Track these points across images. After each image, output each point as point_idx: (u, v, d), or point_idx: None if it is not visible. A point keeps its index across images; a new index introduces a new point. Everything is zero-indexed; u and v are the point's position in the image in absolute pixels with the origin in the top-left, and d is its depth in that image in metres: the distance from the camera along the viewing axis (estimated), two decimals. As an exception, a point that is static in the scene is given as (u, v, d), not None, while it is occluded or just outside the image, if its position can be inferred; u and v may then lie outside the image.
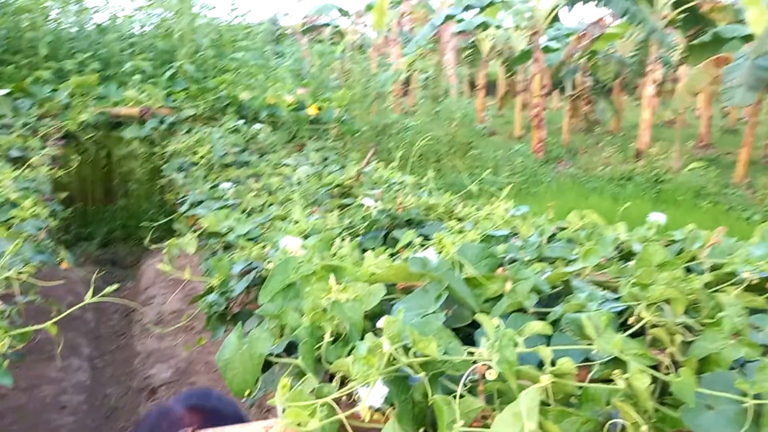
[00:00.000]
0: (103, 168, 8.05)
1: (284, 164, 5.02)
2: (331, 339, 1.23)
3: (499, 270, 1.59)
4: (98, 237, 7.39)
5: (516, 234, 2.60)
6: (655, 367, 1.26)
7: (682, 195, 8.99)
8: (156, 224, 4.56)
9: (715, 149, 14.21)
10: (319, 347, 1.25)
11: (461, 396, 1.04)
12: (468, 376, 1.06)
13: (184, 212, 4.10)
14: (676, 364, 1.26)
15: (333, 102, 6.50)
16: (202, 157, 4.93)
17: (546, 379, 1.00)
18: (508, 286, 1.56)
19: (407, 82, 17.25)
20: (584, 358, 1.34)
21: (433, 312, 1.36)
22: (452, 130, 11.02)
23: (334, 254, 1.91)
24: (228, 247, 3.01)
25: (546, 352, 1.12)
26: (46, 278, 5.21)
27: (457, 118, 10.61)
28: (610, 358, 1.22)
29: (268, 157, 5.18)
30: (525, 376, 1.14)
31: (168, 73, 7.36)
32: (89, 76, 6.11)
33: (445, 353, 1.06)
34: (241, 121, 5.66)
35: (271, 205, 3.65)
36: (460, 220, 2.82)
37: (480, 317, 1.20)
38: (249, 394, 1.27)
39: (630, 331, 1.32)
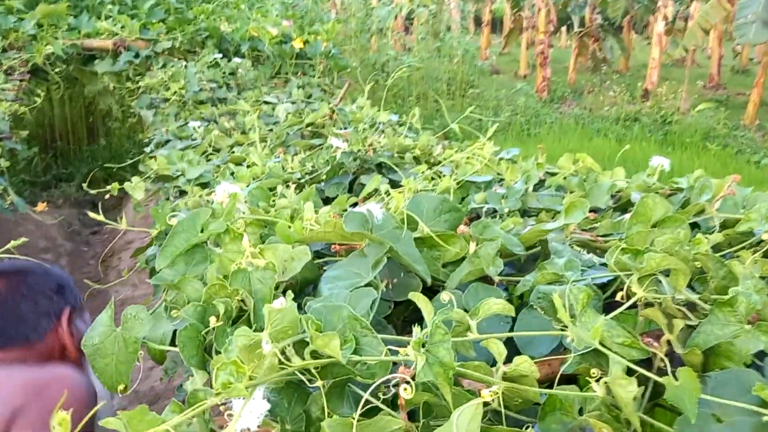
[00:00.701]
0: (86, 106, 7.69)
1: (264, 101, 4.68)
2: (222, 322, 0.94)
3: (461, 227, 1.28)
4: (78, 178, 7.09)
5: (501, 180, 2.29)
6: (649, 360, 0.97)
7: (690, 137, 8.56)
8: (121, 165, 4.27)
9: (725, 90, 13.68)
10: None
11: (374, 411, 0.75)
12: (387, 383, 0.77)
13: (150, 153, 3.79)
14: (674, 358, 0.97)
15: (321, 35, 6.09)
16: (174, 93, 4.58)
17: (487, 395, 0.71)
18: (472, 247, 1.26)
19: (409, 17, 16.61)
20: (559, 345, 1.05)
21: (367, 284, 1.07)
22: (453, 67, 10.54)
23: (273, 205, 1.61)
24: (184, 193, 2.72)
25: (498, 349, 0.83)
26: (15, 222, 4.87)
27: (458, 56, 10.12)
28: (589, 349, 0.93)
29: (246, 93, 4.83)
30: (472, 377, 0.86)
31: (148, 4, 6.92)
32: (59, 4, 5.70)
33: (355, 352, 0.77)
34: (220, 55, 5.28)
35: (239, 145, 3.34)
36: (437, 163, 2.51)
37: (414, 296, 0.91)
38: (125, 389, 0.99)
39: (617, 311, 1.02)
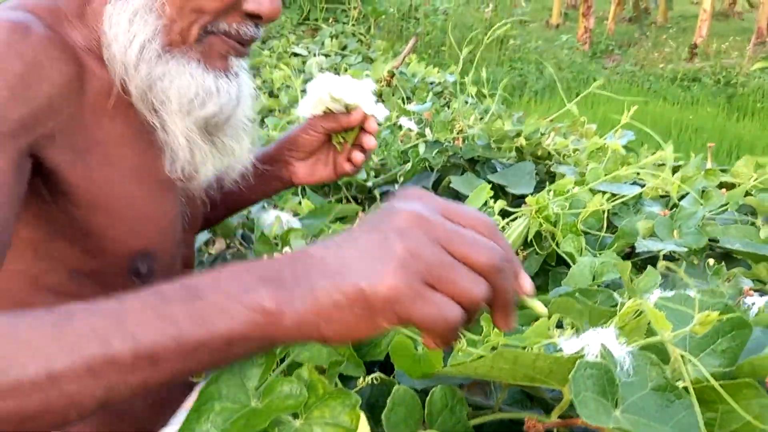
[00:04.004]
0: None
1: (293, 53, 4.01)
2: None
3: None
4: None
5: (641, 187, 1.64)
6: None
7: (761, 102, 7.70)
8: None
9: (774, 47, 12.72)
10: None
11: None
12: None
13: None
14: None
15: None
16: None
17: None
18: None
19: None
20: None
21: None
22: (487, 16, 9.69)
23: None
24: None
25: None
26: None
27: (493, 1, 9.25)
28: None
29: (272, 43, 4.15)
30: None
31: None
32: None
33: None
34: (241, -4, 4.57)
35: (271, 112, 2.70)
36: (546, 157, 1.85)
37: None
38: None
39: None
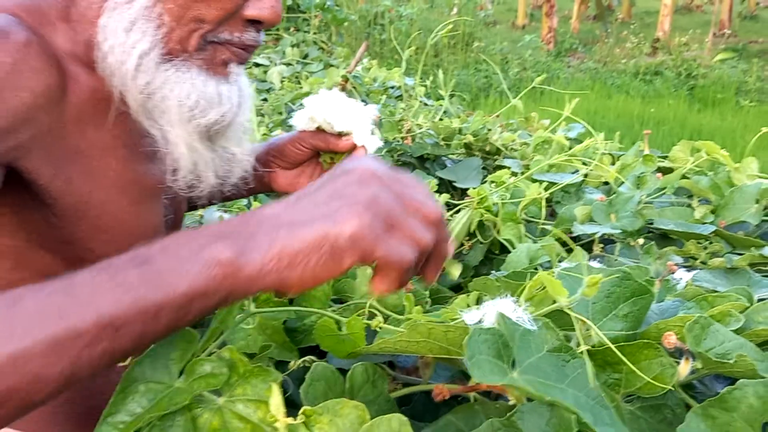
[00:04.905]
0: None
1: (254, 63, 4.04)
2: None
3: (669, 336, 0.69)
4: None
5: (583, 176, 1.70)
6: None
7: (720, 92, 7.85)
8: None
9: (736, 38, 12.99)
10: None
11: None
12: None
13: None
14: None
15: (315, -16, 5.38)
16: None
17: None
18: (685, 369, 0.69)
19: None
20: None
21: None
22: (452, 18, 9.79)
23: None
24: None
25: None
26: None
27: (458, 3, 9.34)
28: None
29: (233, 54, 4.17)
30: None
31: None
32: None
33: None
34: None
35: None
36: (494, 152, 1.91)
37: None
38: None
39: None
